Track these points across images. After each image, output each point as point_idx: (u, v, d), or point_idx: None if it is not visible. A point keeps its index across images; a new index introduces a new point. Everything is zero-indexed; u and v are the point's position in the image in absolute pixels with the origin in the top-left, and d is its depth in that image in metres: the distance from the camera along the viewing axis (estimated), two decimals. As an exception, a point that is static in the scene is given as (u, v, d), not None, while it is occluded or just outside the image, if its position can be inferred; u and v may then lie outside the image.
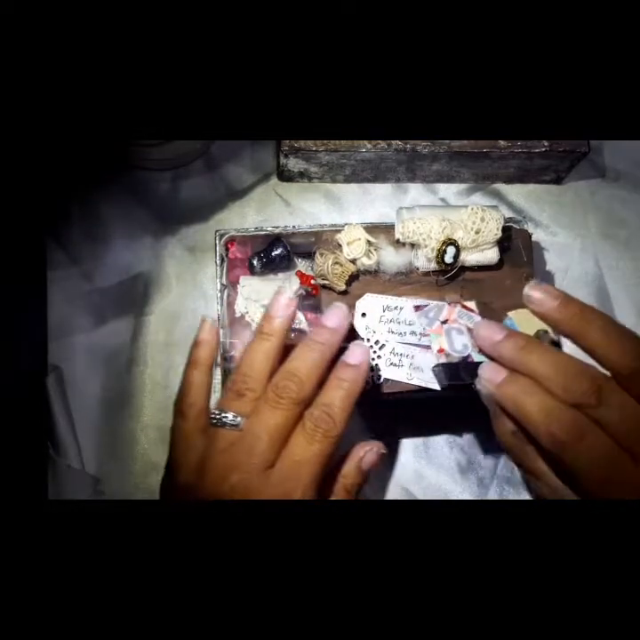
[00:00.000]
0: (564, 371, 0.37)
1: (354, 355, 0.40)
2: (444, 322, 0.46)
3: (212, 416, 0.39)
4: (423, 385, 0.46)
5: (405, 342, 0.46)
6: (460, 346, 0.45)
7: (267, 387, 0.39)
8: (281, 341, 0.40)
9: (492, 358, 0.41)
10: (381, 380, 0.46)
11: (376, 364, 0.46)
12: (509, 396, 0.39)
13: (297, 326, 0.48)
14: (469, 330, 0.45)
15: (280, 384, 0.38)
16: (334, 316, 0.40)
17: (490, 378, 0.40)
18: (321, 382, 0.39)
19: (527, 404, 0.38)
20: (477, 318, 0.46)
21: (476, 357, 0.44)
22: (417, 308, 0.46)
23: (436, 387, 0.45)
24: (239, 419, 0.38)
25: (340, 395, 0.39)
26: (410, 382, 0.46)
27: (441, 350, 0.46)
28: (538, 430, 0.37)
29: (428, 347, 0.46)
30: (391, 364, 0.46)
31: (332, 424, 0.38)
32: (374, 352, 0.46)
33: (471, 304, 0.47)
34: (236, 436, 0.38)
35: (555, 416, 0.37)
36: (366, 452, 0.41)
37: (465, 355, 0.45)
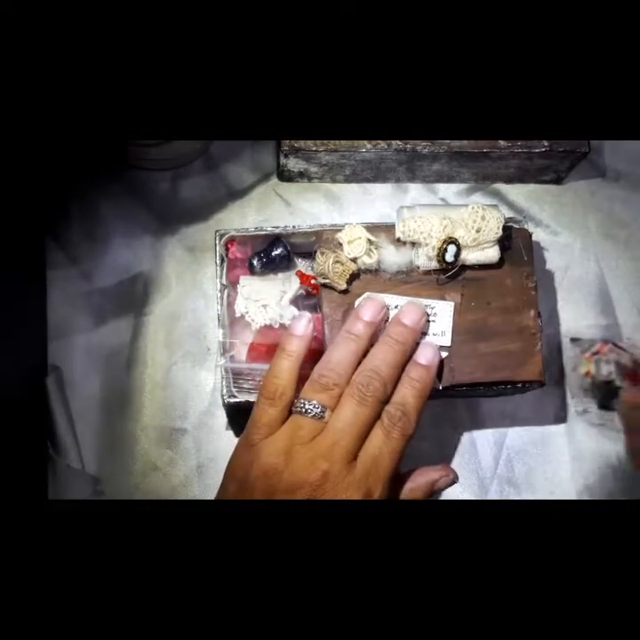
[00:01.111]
0: None
1: (425, 355, 0.43)
2: (596, 353, 0.52)
3: (297, 403, 0.41)
4: None
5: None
6: (606, 372, 0.53)
7: (350, 382, 0.41)
8: (368, 343, 0.42)
9: None
10: None
11: None
12: None
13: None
14: (617, 362, 0.53)
15: (365, 381, 0.40)
16: (410, 313, 0.43)
17: None
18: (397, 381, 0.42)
19: None
20: (627, 355, 0.52)
21: (620, 383, 0.52)
22: (573, 340, 0.54)
23: (437, 386, 0.45)
24: (324, 410, 0.40)
25: (412, 394, 0.41)
26: None
27: (588, 373, 0.53)
28: None
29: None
30: None
31: (407, 422, 0.40)
32: None
33: (622, 344, 0.52)
34: (321, 427, 0.40)
35: None
36: (442, 477, 0.43)
37: (610, 380, 0.53)
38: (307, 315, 0.44)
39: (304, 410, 0.40)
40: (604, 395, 0.53)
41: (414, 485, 0.43)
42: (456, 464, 0.53)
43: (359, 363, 0.42)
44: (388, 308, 0.44)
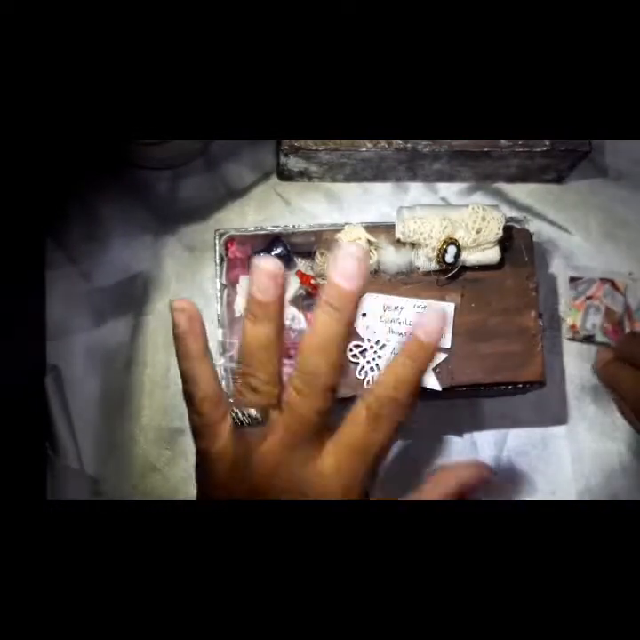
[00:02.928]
0: None
1: (426, 331, 0.35)
2: (589, 297, 0.50)
3: (234, 417, 0.35)
4: (424, 385, 0.45)
5: (400, 341, 0.46)
6: (590, 325, 0.52)
7: (293, 373, 0.35)
8: (279, 323, 0.35)
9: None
10: None
11: (376, 364, 0.46)
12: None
13: (298, 327, 0.48)
14: (607, 309, 0.51)
15: (305, 369, 0.34)
16: (347, 268, 0.33)
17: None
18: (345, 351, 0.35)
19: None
20: (621, 298, 0.50)
21: (600, 339, 0.52)
22: (572, 279, 0.52)
23: (437, 387, 0.45)
24: (262, 414, 0.35)
25: (408, 373, 0.34)
26: None
27: (573, 326, 0.53)
28: None
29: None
30: None
31: (398, 407, 0.34)
32: (375, 352, 0.46)
33: (621, 283, 0.49)
34: (266, 430, 0.35)
35: None
36: (473, 476, 0.39)
37: (591, 334, 0.52)
38: None
39: (239, 421, 0.35)
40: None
41: (441, 490, 0.37)
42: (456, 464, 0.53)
43: (280, 344, 0.35)
44: (282, 271, 0.34)
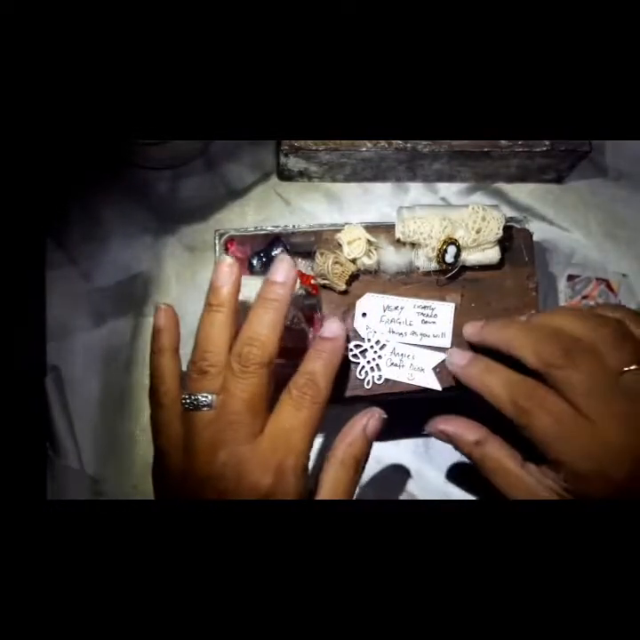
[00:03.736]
0: (535, 336, 0.40)
1: (329, 329, 0.41)
2: (585, 296, 0.50)
3: (183, 401, 0.39)
4: (424, 385, 0.45)
5: (406, 342, 0.46)
6: None
7: (229, 358, 0.38)
8: (232, 310, 0.40)
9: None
10: (382, 380, 0.46)
11: (377, 365, 0.46)
12: (474, 375, 0.43)
13: (298, 327, 0.48)
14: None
15: (242, 352, 0.38)
16: (281, 270, 0.40)
17: (456, 361, 0.44)
18: (281, 341, 0.39)
19: (490, 379, 0.41)
20: (614, 299, 0.50)
21: None
22: (570, 278, 0.52)
23: (438, 387, 0.45)
24: (210, 397, 0.38)
25: (320, 363, 0.40)
26: (411, 382, 0.45)
27: None
28: (501, 402, 0.40)
29: (430, 347, 0.46)
30: (392, 364, 0.46)
31: (317, 390, 0.39)
32: (375, 352, 0.46)
33: (615, 284, 0.48)
34: (212, 414, 0.38)
35: (516, 386, 0.40)
36: (369, 419, 0.41)
37: None
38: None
39: (191, 405, 0.38)
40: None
41: (349, 440, 0.41)
42: (456, 465, 0.53)
43: (231, 332, 0.39)
44: (237, 266, 0.40)
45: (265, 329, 0.39)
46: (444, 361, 0.45)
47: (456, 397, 0.51)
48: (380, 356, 0.46)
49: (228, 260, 0.40)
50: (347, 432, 0.41)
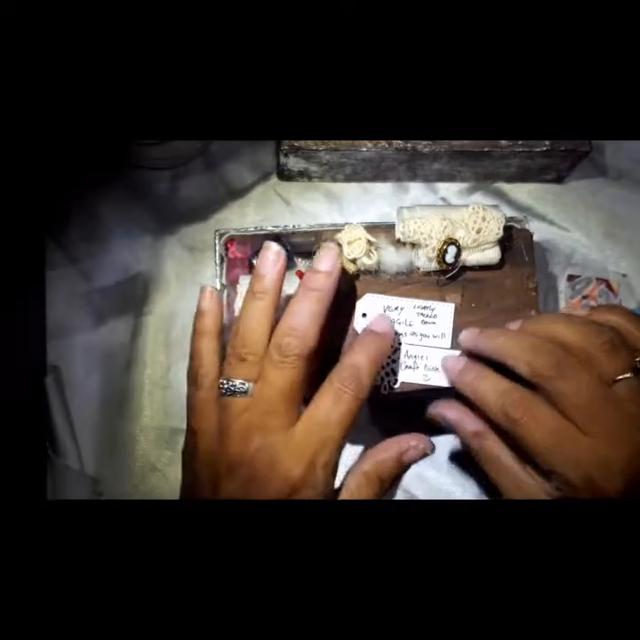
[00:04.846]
0: (527, 345, 0.40)
1: (379, 324, 0.41)
2: (585, 296, 0.50)
3: (221, 386, 0.39)
4: (440, 385, 0.45)
5: (408, 343, 0.46)
6: None
7: (268, 347, 0.38)
8: (275, 298, 0.40)
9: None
10: (397, 384, 0.45)
11: (391, 369, 0.45)
12: (467, 382, 0.42)
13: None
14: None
15: (282, 342, 0.38)
16: (326, 259, 0.40)
17: (450, 368, 0.44)
18: (323, 332, 0.39)
19: (482, 387, 0.41)
20: (614, 299, 0.50)
21: None
22: (570, 277, 0.52)
23: (445, 384, 0.45)
24: (247, 385, 0.38)
25: (366, 357, 0.39)
26: (426, 383, 0.45)
27: None
28: (492, 410, 0.40)
29: (437, 347, 0.46)
30: (406, 366, 0.46)
31: (360, 385, 0.38)
32: (389, 357, 0.45)
33: (615, 284, 0.49)
34: (248, 401, 0.38)
35: (508, 395, 0.40)
36: (411, 448, 0.41)
37: None
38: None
39: (228, 391, 0.38)
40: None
41: (381, 458, 0.40)
42: (457, 465, 0.53)
43: (272, 320, 0.39)
44: (285, 256, 0.40)
45: (305, 320, 0.38)
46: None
47: (455, 397, 0.51)
48: (393, 360, 0.46)
49: (275, 247, 0.40)
50: (382, 449, 0.41)
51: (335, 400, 0.38)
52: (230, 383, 0.38)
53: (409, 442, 0.41)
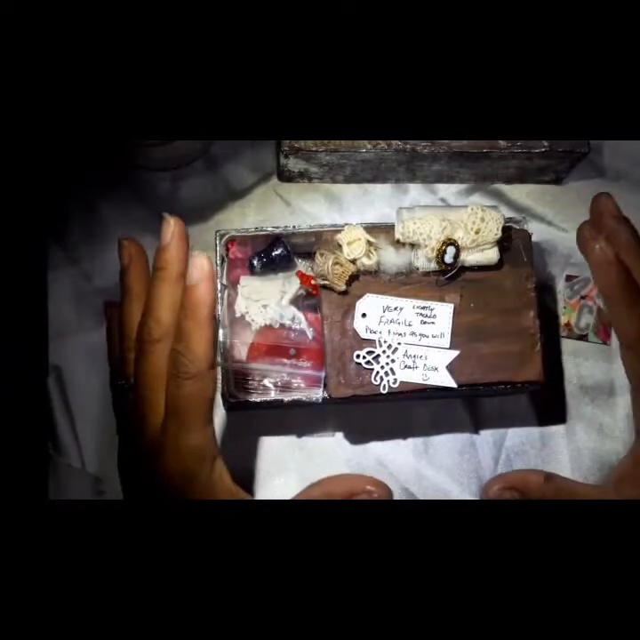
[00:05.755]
0: None
1: (189, 275, 0.35)
2: (584, 297, 0.50)
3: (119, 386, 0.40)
4: (440, 384, 0.46)
5: (407, 343, 0.46)
6: (583, 325, 0.53)
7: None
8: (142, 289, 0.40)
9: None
10: (397, 383, 0.46)
11: (391, 369, 0.46)
12: None
13: (297, 327, 0.48)
14: (599, 309, 0.53)
15: (142, 329, 0.37)
16: (166, 233, 0.37)
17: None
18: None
19: None
20: None
21: (592, 339, 0.54)
22: (568, 278, 0.53)
23: (453, 384, 0.45)
24: (128, 380, 0.39)
25: (189, 324, 0.35)
26: (426, 383, 0.46)
27: (568, 324, 0.54)
28: None
29: (436, 347, 0.46)
30: (406, 366, 0.46)
31: (189, 360, 0.35)
32: (388, 357, 0.46)
33: None
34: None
35: None
36: (365, 493, 0.40)
37: (584, 334, 0.54)
38: None
39: (124, 390, 0.39)
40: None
41: (334, 492, 0.40)
42: (455, 464, 0.53)
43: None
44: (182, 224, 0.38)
45: (156, 302, 0.37)
46: (457, 358, 0.45)
47: (454, 396, 0.51)
48: (393, 360, 0.46)
49: (170, 217, 0.38)
50: (336, 482, 0.41)
51: (176, 385, 0.36)
52: (123, 382, 0.40)
53: (366, 486, 0.40)
